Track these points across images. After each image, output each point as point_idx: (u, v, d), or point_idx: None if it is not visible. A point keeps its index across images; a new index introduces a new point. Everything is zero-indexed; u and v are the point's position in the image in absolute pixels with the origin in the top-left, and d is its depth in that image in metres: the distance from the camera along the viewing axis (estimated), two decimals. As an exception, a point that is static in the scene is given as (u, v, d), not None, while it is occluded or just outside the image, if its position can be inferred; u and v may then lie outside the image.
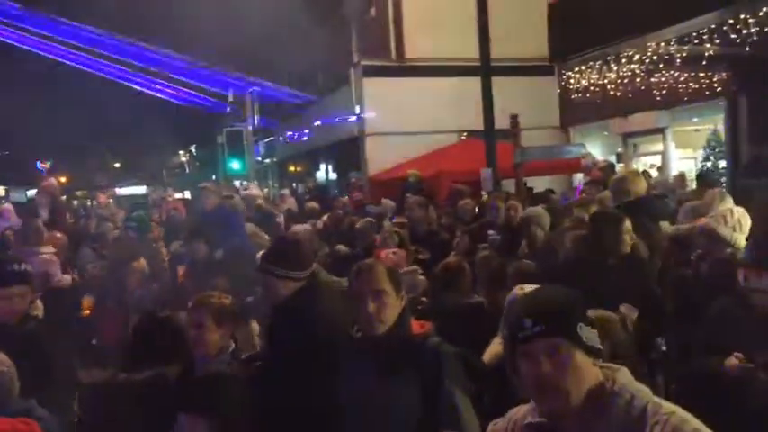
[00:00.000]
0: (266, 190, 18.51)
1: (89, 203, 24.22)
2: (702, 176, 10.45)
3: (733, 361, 2.70)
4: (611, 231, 3.92)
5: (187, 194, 28.55)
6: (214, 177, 25.08)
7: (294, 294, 3.09)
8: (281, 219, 9.30)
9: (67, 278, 5.80)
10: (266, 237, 6.81)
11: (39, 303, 4.18)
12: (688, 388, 3.06)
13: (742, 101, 11.09)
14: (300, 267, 3.14)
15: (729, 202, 4.68)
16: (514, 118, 10.11)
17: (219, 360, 3.00)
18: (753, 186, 5.83)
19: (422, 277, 4.88)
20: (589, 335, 1.58)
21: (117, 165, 47.68)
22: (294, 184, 24.28)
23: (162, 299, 5.15)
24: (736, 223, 3.93)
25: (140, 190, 41.03)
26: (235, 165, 17.82)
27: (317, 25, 19.32)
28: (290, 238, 3.59)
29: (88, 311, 5.39)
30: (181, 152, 44.67)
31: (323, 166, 22.30)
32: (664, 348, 3.67)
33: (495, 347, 3.05)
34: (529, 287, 3.07)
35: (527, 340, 1.57)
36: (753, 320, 2.81)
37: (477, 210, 7.58)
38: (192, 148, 42.37)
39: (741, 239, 3.89)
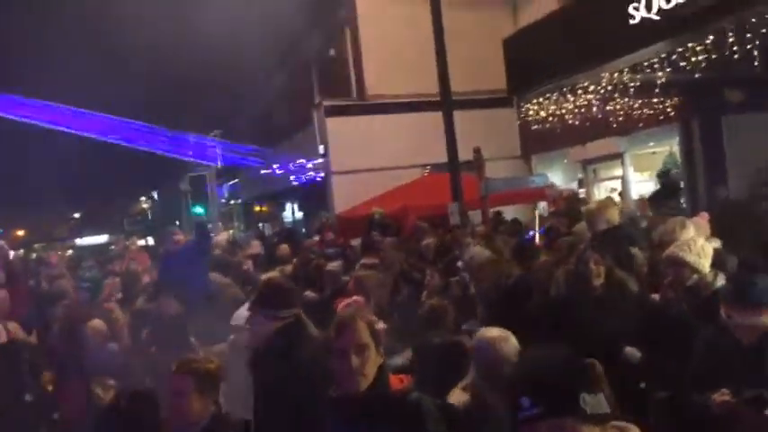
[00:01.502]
0: (231, 231, 18.29)
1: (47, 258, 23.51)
2: (653, 199, 10.75)
3: (720, 397, 2.68)
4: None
5: (150, 241, 28.07)
6: (178, 223, 24.74)
7: (279, 332, 3.17)
8: (248, 265, 9.11)
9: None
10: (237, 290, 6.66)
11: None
12: (676, 425, 3.03)
13: (695, 124, 11.46)
14: (285, 306, 3.23)
15: (692, 230, 4.77)
16: (478, 151, 10.22)
17: (199, 428, 2.85)
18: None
19: (381, 325, 4.81)
20: (593, 402, 1.49)
21: (77, 215, 46.70)
22: (260, 225, 24.07)
23: (124, 362, 4.95)
24: (700, 250, 3.98)
25: (102, 239, 40.18)
26: (199, 209, 17.65)
27: (277, 67, 19.45)
28: (274, 280, 3.63)
29: (51, 387, 5.11)
30: (142, 198, 44.05)
31: (289, 206, 22.20)
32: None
33: (459, 396, 2.96)
34: (496, 330, 3.04)
35: (527, 421, 1.46)
36: (738, 354, 2.81)
37: (443, 246, 7.54)
38: (155, 194, 41.81)
39: (706, 265, 3.94)
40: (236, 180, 25.05)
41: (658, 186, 10.58)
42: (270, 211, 23.97)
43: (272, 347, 3.16)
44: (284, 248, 10.80)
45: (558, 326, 3.90)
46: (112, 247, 20.89)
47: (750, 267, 3.37)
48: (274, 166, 17.72)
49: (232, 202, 26.40)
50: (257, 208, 24.67)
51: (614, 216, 4.79)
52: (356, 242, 10.42)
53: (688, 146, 11.68)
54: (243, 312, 4.13)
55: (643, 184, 13.88)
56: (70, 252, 23.01)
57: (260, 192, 22.18)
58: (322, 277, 7.72)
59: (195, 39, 14.57)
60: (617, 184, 14.04)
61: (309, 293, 6.99)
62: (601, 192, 14.56)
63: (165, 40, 15.14)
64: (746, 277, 3.00)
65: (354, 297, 4.96)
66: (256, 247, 12.01)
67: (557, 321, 4.00)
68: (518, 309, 4.26)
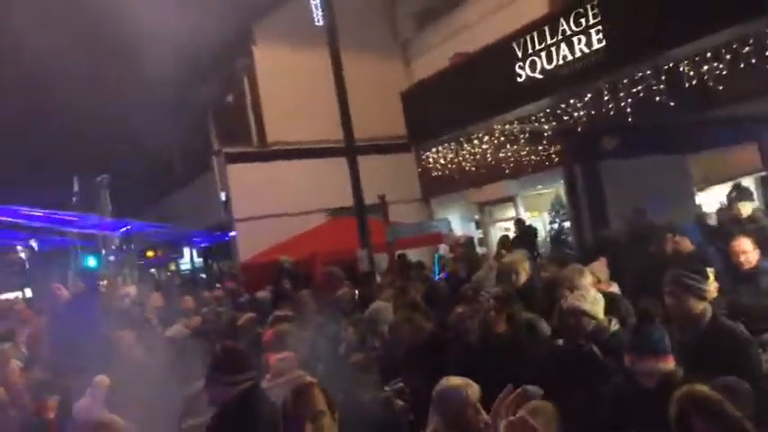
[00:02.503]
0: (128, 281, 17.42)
1: None
2: (555, 239, 11.61)
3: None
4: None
5: (28, 293, 25.92)
6: (71, 272, 23.16)
7: (239, 398, 3.20)
8: (154, 322, 8.80)
9: None
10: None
11: None
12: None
13: (576, 169, 12.48)
14: (242, 371, 3.29)
15: (589, 277, 5.23)
16: (382, 197, 10.57)
17: None
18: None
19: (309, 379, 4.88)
20: None
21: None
22: (153, 270, 23.02)
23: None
24: (593, 299, 4.38)
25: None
26: (91, 261, 16.74)
27: (172, 112, 19.02)
28: (229, 345, 3.60)
29: None
30: (19, 247, 40.83)
31: (187, 252, 21.53)
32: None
33: None
34: (458, 378, 3.19)
35: None
36: (642, 399, 3.16)
37: (361, 297, 7.70)
38: (33, 242, 38.90)
39: (600, 312, 4.35)
40: (128, 227, 23.95)
41: (516, 233, 11.29)
42: (164, 256, 23.06)
43: (233, 414, 3.16)
44: (188, 300, 10.50)
45: (472, 373, 4.12)
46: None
47: (645, 314, 3.78)
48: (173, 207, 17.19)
49: (124, 247, 25.17)
50: (150, 253, 23.64)
51: (527, 269, 5.19)
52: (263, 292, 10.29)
53: (571, 188, 12.67)
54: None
55: (534, 223, 14.88)
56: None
57: (156, 238, 21.36)
58: (236, 330, 7.63)
59: (83, 77, 14.03)
60: (510, 224, 14.92)
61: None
62: (496, 231, 15.41)
63: (51, 77, 14.48)
64: (644, 328, 3.38)
65: (285, 353, 4.99)
66: (158, 299, 11.57)
67: (469, 369, 4.23)
68: (437, 362, 4.47)
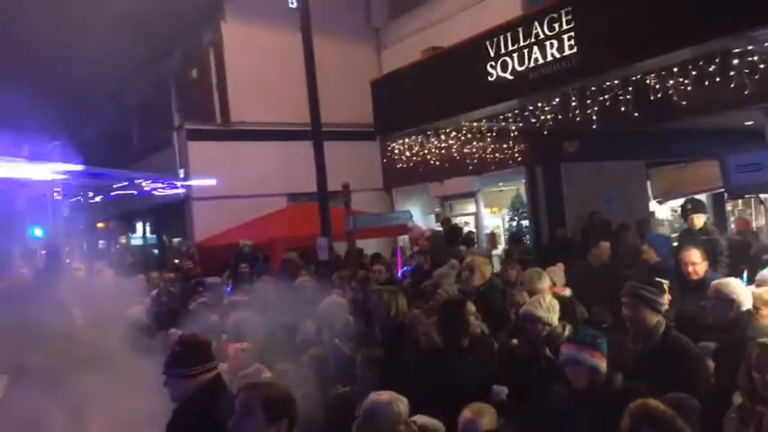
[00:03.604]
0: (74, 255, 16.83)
1: None
2: (513, 237, 11.79)
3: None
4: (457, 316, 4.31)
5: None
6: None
7: (200, 391, 3.12)
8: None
9: None
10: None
11: None
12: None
13: (538, 169, 12.70)
14: (202, 362, 3.18)
15: (547, 280, 5.34)
16: (346, 187, 10.48)
17: None
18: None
19: (267, 374, 4.84)
20: None
21: None
22: (101, 242, 22.29)
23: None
24: (549, 305, 4.46)
25: None
26: (37, 231, 16.11)
27: (133, 82, 18.45)
28: (186, 336, 3.49)
29: None
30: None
31: (140, 227, 21.00)
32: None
33: None
34: (387, 393, 3.20)
35: None
36: (573, 400, 3.30)
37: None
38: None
39: (554, 319, 4.44)
40: (79, 197, 23.18)
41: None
42: (117, 230, 22.39)
43: (194, 407, 3.08)
44: (141, 279, 10.27)
45: (433, 376, 4.15)
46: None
47: (595, 319, 3.92)
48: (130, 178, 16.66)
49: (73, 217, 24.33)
50: (100, 224, 22.90)
51: (488, 272, 5.25)
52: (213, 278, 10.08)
53: (532, 187, 12.89)
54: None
55: (492, 219, 15.09)
56: None
57: (108, 210, 20.73)
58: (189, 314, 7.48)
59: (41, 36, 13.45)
60: (470, 219, 15.07)
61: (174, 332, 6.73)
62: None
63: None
64: (590, 328, 3.53)
65: (245, 343, 4.93)
66: (109, 276, 11.24)
67: (430, 371, 4.26)
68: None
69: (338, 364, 4.80)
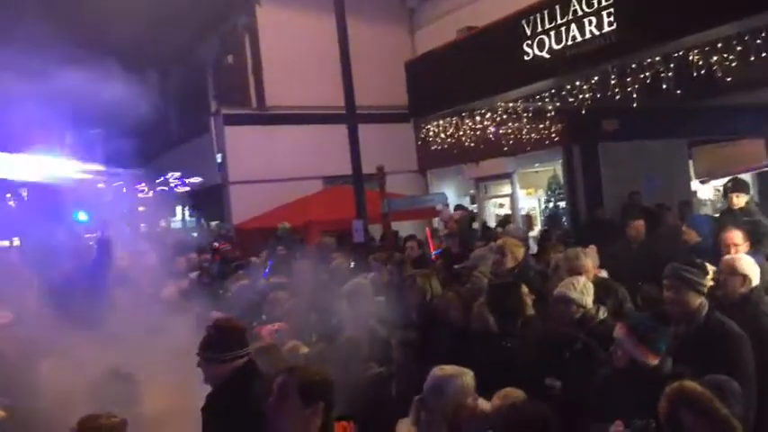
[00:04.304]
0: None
1: None
2: (551, 218, 11.67)
3: (615, 428, 3.06)
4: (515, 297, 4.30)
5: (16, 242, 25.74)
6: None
7: (235, 375, 3.18)
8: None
9: None
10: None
11: None
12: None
13: (576, 149, 12.47)
14: (237, 347, 3.24)
15: (590, 260, 5.26)
16: (380, 169, 10.50)
17: None
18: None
19: (305, 350, 4.92)
20: None
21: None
22: (142, 225, 22.83)
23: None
24: (583, 287, 4.41)
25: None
26: (81, 215, 16.56)
27: (170, 69, 18.70)
28: (222, 321, 3.55)
29: None
30: (9, 195, 40.54)
31: (179, 210, 21.41)
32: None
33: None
34: (451, 367, 3.19)
35: None
36: (627, 387, 3.23)
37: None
38: (23, 191, 38.58)
39: (589, 301, 4.38)
40: (120, 183, 23.73)
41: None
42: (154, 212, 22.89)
43: (227, 392, 3.15)
44: (180, 262, 10.48)
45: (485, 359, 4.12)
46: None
47: (663, 314, 3.81)
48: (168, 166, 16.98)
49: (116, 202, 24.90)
50: (141, 208, 23.41)
51: (520, 254, 5.21)
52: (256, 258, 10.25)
53: (569, 167, 12.68)
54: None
55: (528, 200, 14.92)
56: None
57: (147, 195, 21.16)
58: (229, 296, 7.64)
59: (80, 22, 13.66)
60: (505, 201, 14.95)
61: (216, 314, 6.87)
62: (490, 207, 15.45)
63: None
64: (659, 325, 3.39)
65: (279, 324, 5.01)
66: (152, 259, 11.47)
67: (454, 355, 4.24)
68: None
69: (373, 345, 4.85)
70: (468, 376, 2.96)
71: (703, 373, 3.13)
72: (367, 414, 3.27)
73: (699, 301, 3.88)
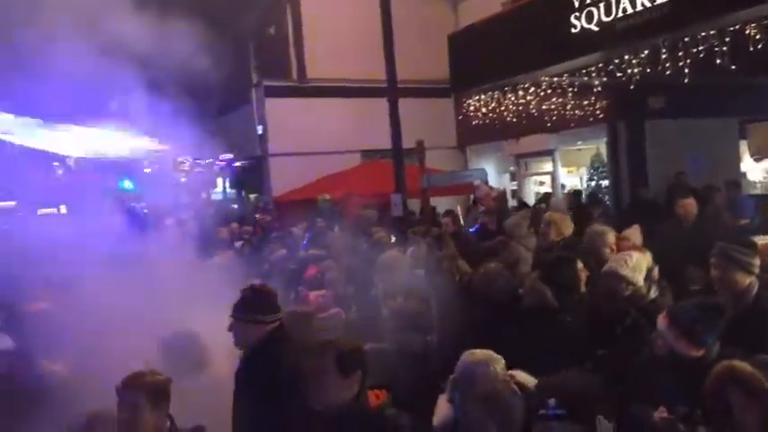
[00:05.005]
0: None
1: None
2: (592, 196, 11.48)
3: (661, 414, 3.00)
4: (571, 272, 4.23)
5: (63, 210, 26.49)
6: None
7: (269, 339, 3.21)
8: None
9: None
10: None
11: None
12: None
13: (621, 126, 12.17)
14: (271, 312, 3.28)
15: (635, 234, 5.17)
16: (420, 143, 10.43)
17: None
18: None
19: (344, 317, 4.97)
20: (605, 428, 1.72)
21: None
22: (184, 197, 23.26)
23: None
24: (635, 265, 4.29)
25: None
26: (127, 183, 16.97)
27: (211, 42, 18.82)
28: (257, 285, 3.57)
29: None
30: (56, 163, 41.67)
31: (220, 182, 21.74)
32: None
33: (443, 410, 3.06)
34: (480, 353, 3.13)
35: (545, 419, 1.68)
36: (670, 373, 3.15)
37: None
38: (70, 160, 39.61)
39: (640, 279, 4.27)
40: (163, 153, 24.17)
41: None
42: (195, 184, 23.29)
43: (265, 355, 3.19)
44: (223, 232, 10.68)
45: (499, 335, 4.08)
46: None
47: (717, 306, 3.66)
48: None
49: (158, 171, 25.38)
50: (183, 179, 23.82)
51: (566, 228, 5.14)
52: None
53: (614, 145, 12.40)
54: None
55: (569, 178, 14.68)
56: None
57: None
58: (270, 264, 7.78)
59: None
60: (546, 179, 14.73)
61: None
62: (530, 185, 15.25)
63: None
64: (710, 317, 3.17)
65: (324, 291, 5.08)
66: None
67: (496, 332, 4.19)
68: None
69: (412, 317, 4.85)
70: (499, 363, 2.90)
71: (752, 356, 3.05)
72: (406, 386, 3.29)
73: (748, 280, 3.76)
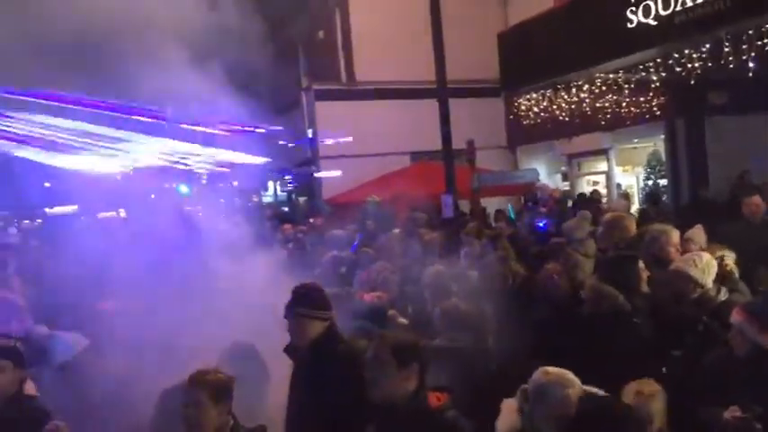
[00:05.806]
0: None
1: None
2: (651, 196, 11.13)
3: (733, 414, 2.87)
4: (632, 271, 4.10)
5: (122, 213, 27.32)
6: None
7: (327, 333, 3.22)
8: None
9: None
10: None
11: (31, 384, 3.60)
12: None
13: (679, 123, 11.76)
14: (326, 308, 3.29)
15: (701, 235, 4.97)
16: (471, 144, 10.34)
17: None
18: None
19: (401, 320, 4.93)
20: None
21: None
22: (236, 199, 23.73)
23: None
24: (705, 266, 4.10)
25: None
26: (183, 188, 17.44)
27: (261, 46, 19.13)
28: (310, 282, 3.57)
29: None
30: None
31: (271, 185, 22.08)
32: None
33: (509, 418, 2.97)
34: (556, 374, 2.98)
35: None
36: (750, 371, 3.01)
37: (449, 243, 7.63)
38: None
39: (709, 281, 4.08)
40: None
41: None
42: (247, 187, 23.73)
43: (324, 349, 3.19)
44: (288, 229, 10.95)
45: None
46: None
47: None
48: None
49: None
50: (235, 182, 24.26)
51: (628, 228, 4.98)
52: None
53: (672, 143, 11.99)
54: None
55: (625, 178, 14.26)
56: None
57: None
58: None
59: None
60: (600, 178, 14.34)
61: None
62: (583, 185, 14.87)
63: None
64: None
65: (379, 292, 5.06)
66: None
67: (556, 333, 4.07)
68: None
69: (467, 318, 4.79)
70: (574, 387, 2.74)
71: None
72: (464, 386, 3.24)
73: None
